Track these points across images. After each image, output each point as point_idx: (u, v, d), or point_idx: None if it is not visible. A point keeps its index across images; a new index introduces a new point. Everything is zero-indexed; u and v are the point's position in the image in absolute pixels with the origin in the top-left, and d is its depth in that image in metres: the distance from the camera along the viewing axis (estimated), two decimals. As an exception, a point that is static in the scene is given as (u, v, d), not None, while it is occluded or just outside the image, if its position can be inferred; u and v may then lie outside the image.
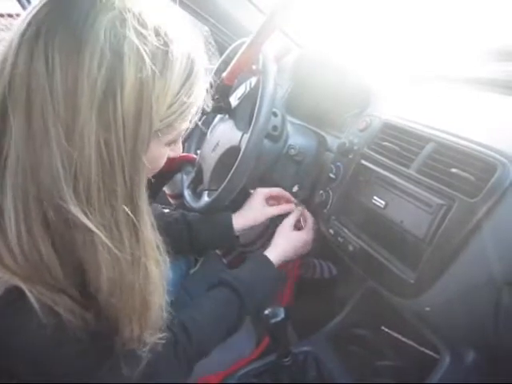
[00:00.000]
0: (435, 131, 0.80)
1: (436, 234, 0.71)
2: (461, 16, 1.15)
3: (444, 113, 0.88)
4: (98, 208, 0.48)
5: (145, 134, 0.49)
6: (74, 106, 0.45)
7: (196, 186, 1.12)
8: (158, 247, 0.57)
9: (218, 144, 1.02)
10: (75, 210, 0.47)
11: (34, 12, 0.47)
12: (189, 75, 0.53)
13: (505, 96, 0.86)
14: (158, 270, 0.57)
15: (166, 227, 0.71)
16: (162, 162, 0.61)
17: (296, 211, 1.03)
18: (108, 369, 0.57)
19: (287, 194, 1.05)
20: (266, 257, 0.90)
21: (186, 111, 0.55)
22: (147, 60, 0.47)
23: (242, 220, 0.99)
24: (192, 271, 1.12)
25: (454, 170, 0.71)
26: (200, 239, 0.99)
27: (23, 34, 0.46)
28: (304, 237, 0.99)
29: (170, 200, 1.38)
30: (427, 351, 0.90)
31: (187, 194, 1.10)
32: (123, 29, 0.46)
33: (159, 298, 0.59)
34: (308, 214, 1.04)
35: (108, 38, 0.46)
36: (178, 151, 0.64)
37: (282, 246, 0.94)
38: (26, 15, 0.48)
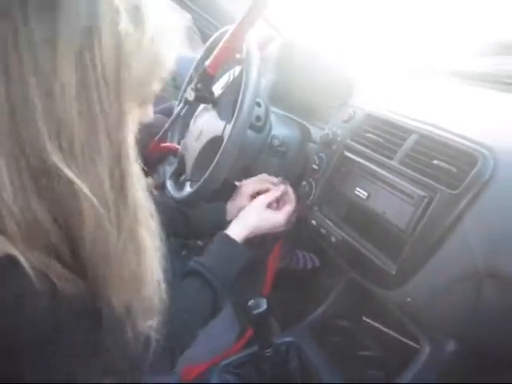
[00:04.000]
0: (418, 123, 0.80)
1: (417, 226, 0.72)
2: (449, 9, 1.15)
3: (428, 105, 0.88)
4: (82, 164, 0.48)
5: (125, 91, 0.49)
6: (52, 59, 0.45)
7: (178, 176, 1.11)
8: (151, 216, 0.56)
9: (200, 134, 1.01)
10: (57, 160, 0.46)
11: None
12: (159, 33, 0.53)
13: (489, 89, 0.87)
14: (150, 239, 0.56)
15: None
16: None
17: (275, 191, 1.01)
18: (107, 331, 0.56)
19: (272, 183, 1.03)
20: (229, 237, 0.89)
21: (157, 70, 0.55)
22: (123, 15, 0.47)
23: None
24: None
25: (435, 162, 0.72)
26: (193, 226, 1.01)
27: None
28: (275, 218, 0.97)
29: (154, 190, 1.36)
30: (408, 341, 0.91)
31: (169, 184, 1.08)
32: None
33: (152, 271, 0.57)
34: (290, 197, 1.02)
35: None
36: (148, 117, 0.64)
37: (249, 221, 0.93)
38: None
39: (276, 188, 1.02)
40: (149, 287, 0.57)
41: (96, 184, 0.49)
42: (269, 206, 0.99)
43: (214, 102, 1.00)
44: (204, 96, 0.98)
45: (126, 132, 0.51)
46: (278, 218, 0.97)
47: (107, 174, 0.50)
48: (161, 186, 1.32)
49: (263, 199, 0.98)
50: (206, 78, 0.97)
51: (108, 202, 0.50)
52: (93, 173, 0.49)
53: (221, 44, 0.93)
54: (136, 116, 0.57)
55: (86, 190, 0.48)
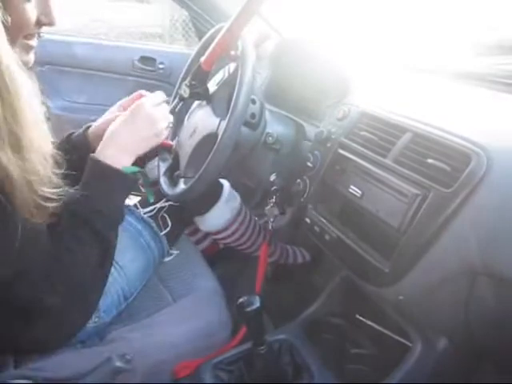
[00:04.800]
0: (412, 121, 0.80)
1: (411, 224, 0.72)
2: (448, 7, 1.15)
3: (422, 103, 0.88)
4: None
5: None
6: None
7: (172, 173, 1.10)
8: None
9: (195, 131, 1.01)
10: None
11: None
12: None
13: (486, 89, 0.87)
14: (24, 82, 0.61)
15: None
16: (27, 18, 0.67)
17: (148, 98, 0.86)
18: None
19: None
20: (102, 165, 0.78)
21: None
22: None
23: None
24: (167, 259, 1.11)
25: (429, 161, 0.72)
26: None
27: None
28: (155, 116, 0.85)
29: (142, 189, 1.36)
30: (400, 339, 0.92)
31: (163, 181, 1.08)
32: None
33: (32, 117, 0.62)
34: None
35: None
36: (49, 16, 0.70)
37: (121, 139, 0.82)
38: None
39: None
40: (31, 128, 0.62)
41: None
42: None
43: (209, 99, 1.00)
44: (199, 92, 0.98)
45: None
46: (157, 114, 0.85)
47: None
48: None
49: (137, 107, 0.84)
50: (201, 74, 0.97)
51: None
52: None
53: (216, 40, 0.93)
54: (25, 8, 0.65)
55: None
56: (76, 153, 0.90)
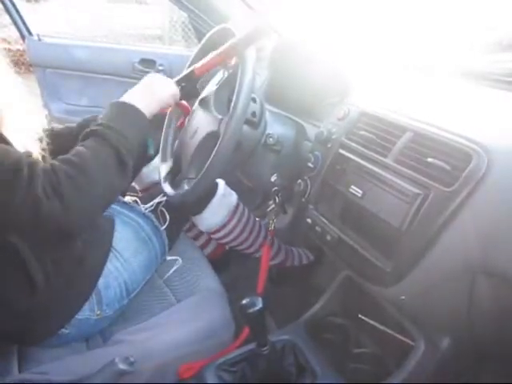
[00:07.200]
0: (412, 121, 0.80)
1: (412, 224, 0.72)
2: (449, 6, 1.15)
3: (422, 103, 0.88)
4: None
5: None
6: None
7: (174, 174, 1.11)
8: None
9: (196, 131, 1.01)
10: None
11: None
12: None
13: (487, 87, 0.87)
14: None
15: None
16: None
17: None
18: None
19: None
20: (125, 103, 0.86)
21: None
22: None
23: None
24: (169, 258, 1.11)
25: (430, 160, 0.72)
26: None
27: None
28: (164, 80, 0.94)
29: (140, 194, 1.36)
30: (403, 338, 0.92)
31: (165, 182, 1.08)
32: None
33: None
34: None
35: None
36: None
37: (135, 92, 0.90)
38: None
39: None
40: None
41: None
42: None
43: (200, 97, 1.01)
44: (188, 92, 0.99)
45: None
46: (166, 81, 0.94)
47: None
48: (147, 189, 1.32)
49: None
50: (192, 79, 0.98)
51: None
52: None
53: (213, 54, 0.93)
54: None
55: None
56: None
